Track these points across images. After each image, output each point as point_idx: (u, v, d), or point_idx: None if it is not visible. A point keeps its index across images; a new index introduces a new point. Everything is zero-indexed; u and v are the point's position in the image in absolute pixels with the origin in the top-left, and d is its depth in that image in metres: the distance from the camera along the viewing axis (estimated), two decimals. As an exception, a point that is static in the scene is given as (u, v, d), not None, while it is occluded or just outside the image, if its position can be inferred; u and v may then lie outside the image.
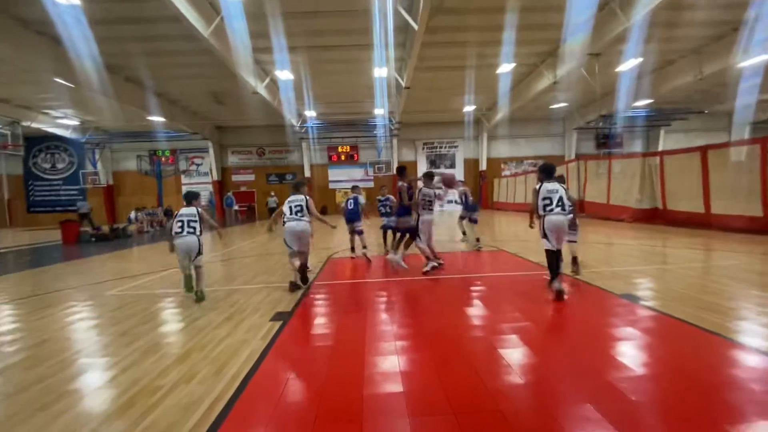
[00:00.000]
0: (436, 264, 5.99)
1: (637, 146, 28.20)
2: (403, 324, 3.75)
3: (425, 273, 5.74)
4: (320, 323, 3.91)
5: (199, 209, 5.01)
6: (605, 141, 28.04)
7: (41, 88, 17.69)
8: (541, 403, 2.36)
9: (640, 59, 15.45)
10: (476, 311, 4.11)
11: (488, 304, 4.28)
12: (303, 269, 5.31)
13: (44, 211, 28.09)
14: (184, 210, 4.88)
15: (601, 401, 2.35)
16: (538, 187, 4.43)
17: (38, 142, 26.93)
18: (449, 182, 6.04)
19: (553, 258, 4.35)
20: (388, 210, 8.44)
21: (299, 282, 5.28)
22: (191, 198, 5.00)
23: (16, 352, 3.33)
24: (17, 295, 5.44)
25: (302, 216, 5.20)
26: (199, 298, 4.78)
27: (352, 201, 7.91)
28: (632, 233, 10.13)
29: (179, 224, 4.78)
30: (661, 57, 17.00)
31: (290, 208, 5.23)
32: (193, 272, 4.86)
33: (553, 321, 3.73)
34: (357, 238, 7.97)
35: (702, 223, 10.77)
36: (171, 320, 4.18)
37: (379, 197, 8.70)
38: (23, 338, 3.65)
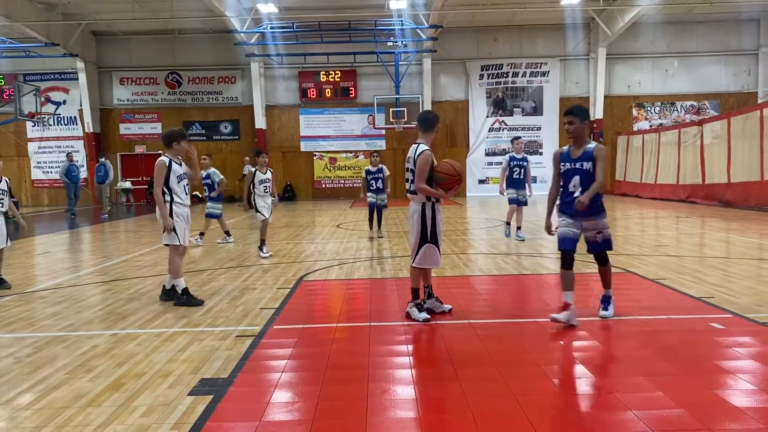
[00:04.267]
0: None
1: None
2: (443, 422, 3.82)
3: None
4: (281, 410, 3.95)
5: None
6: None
7: None
8: None
9: None
10: (578, 387, 4.19)
11: (603, 376, 4.34)
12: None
13: None
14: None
15: None
16: None
17: None
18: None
19: None
20: (380, 186, 12.92)
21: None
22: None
23: None
24: None
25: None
26: None
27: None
28: None
29: None
30: None
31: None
32: None
33: (729, 412, 3.70)
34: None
35: None
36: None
37: (369, 168, 13.09)
38: None
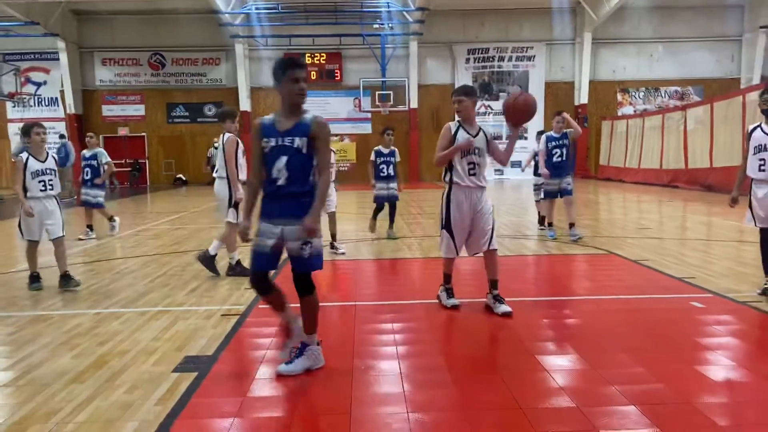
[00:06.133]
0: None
1: None
2: (428, 396, 3.82)
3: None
4: (267, 386, 3.97)
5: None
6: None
7: None
8: None
9: None
10: (561, 363, 4.23)
11: (586, 352, 4.38)
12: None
13: None
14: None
15: None
16: (750, 130, 5.98)
17: None
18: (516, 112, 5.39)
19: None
20: (391, 172, 10.05)
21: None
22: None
23: None
24: None
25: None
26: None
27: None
28: None
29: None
30: None
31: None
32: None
33: (708, 386, 3.76)
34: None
35: None
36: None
37: (380, 149, 10.13)
38: None
